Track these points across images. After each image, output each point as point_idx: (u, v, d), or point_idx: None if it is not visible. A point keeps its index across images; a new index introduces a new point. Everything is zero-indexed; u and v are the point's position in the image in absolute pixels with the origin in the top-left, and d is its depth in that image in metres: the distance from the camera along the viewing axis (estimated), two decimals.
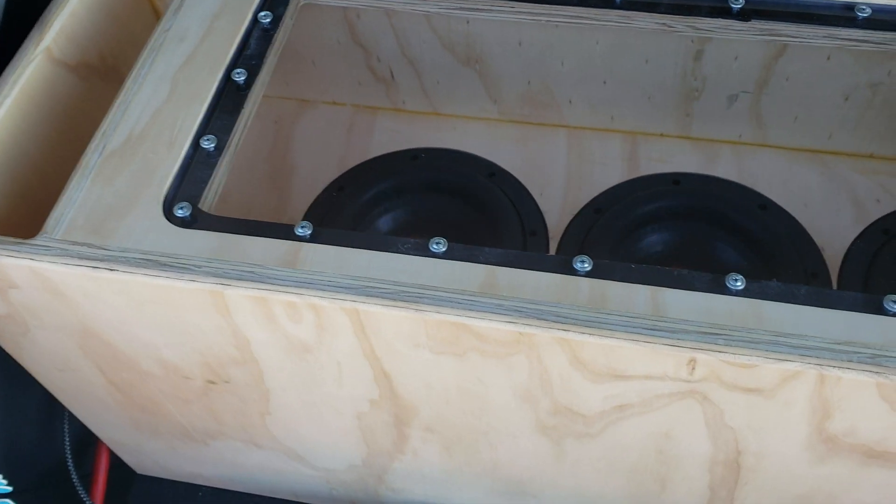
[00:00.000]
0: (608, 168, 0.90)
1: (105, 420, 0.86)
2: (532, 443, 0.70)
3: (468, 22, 0.84)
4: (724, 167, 0.89)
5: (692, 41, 0.80)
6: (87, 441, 0.95)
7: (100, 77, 0.80)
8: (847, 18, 0.70)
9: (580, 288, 0.55)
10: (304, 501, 0.97)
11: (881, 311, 0.53)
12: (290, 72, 0.95)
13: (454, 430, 0.71)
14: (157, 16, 0.86)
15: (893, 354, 0.51)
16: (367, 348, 0.61)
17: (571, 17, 0.74)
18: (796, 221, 0.80)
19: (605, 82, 0.87)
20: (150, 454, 0.92)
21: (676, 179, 0.85)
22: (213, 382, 0.71)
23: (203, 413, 0.79)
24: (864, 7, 0.69)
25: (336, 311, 0.57)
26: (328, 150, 0.96)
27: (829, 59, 0.79)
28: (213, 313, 0.60)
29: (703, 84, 0.85)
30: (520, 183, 0.85)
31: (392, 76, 0.92)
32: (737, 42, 0.78)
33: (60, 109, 0.75)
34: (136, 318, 0.63)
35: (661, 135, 0.92)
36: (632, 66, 0.85)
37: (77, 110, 0.76)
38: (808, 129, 0.87)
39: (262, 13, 0.73)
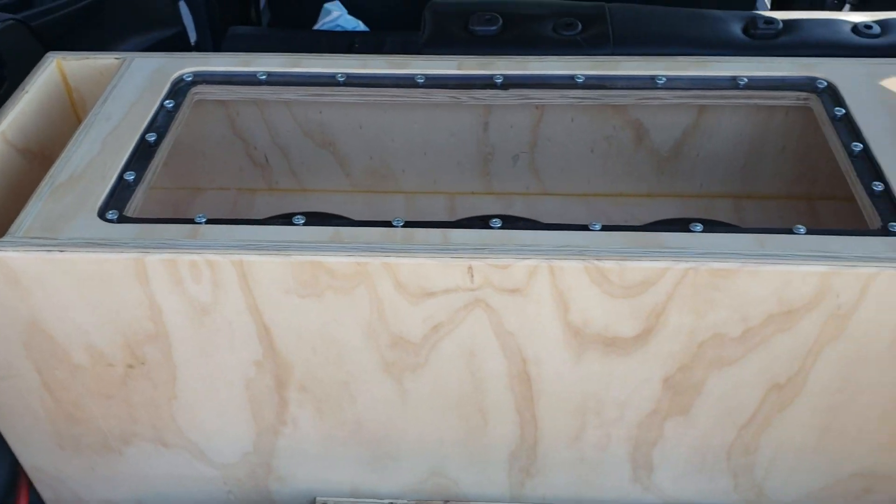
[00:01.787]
0: (436, 219, 1.20)
1: (32, 439, 1.02)
2: (381, 387, 0.93)
3: (321, 112, 1.14)
4: (517, 211, 1.20)
5: (481, 114, 1.14)
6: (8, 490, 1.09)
7: (36, 159, 1.05)
8: (571, 85, 1.05)
9: (397, 233, 0.82)
10: None
11: (588, 229, 0.83)
12: (185, 166, 1.22)
13: (322, 387, 0.93)
14: (79, 120, 1.13)
15: (594, 250, 0.80)
16: (250, 302, 0.84)
17: (387, 96, 1.06)
18: None
19: (425, 154, 1.18)
20: (68, 480, 1.07)
21: (483, 218, 1.16)
22: (131, 366, 0.92)
23: (121, 410, 0.97)
24: (580, 76, 1.05)
25: (226, 264, 0.81)
26: None
27: (572, 120, 1.13)
28: (134, 284, 0.83)
29: (493, 149, 1.18)
30: None
31: (267, 161, 1.21)
32: (505, 109, 1.12)
33: (6, 176, 0.99)
34: (75, 300, 0.84)
35: (472, 192, 1.23)
36: (442, 140, 1.16)
37: (16, 181, 1.00)
38: (573, 178, 1.20)
39: (168, 101, 1.01)
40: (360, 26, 2.05)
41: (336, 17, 2.12)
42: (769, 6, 1.94)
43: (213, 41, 2.07)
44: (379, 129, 1.16)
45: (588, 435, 0.97)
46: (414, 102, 1.07)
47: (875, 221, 0.84)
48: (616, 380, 0.91)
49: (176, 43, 2.02)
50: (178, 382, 0.94)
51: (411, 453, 1.01)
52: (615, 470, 1.01)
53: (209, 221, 0.85)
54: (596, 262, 0.79)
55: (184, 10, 2.07)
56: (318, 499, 1.09)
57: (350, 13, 2.07)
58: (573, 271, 0.80)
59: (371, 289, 0.83)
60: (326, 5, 2.10)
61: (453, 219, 1.19)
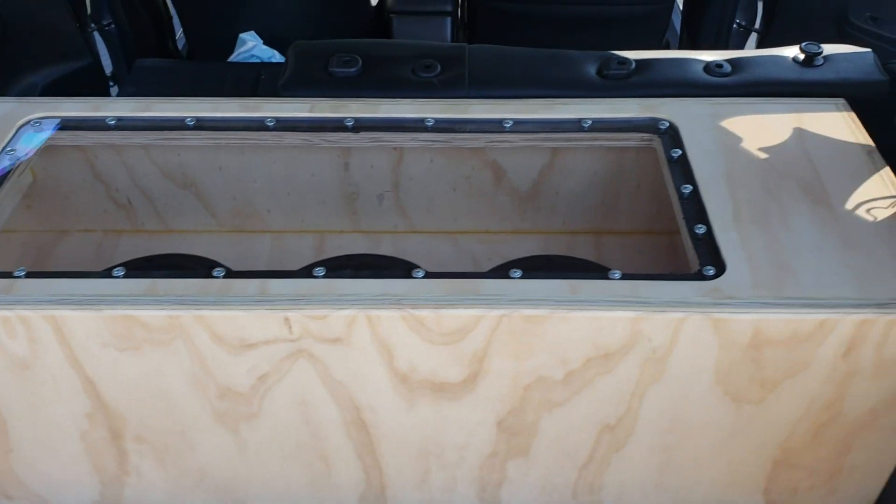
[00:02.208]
0: (302, 259, 1.19)
1: None
2: (218, 436, 0.92)
3: (179, 154, 1.14)
4: (385, 249, 1.20)
5: (340, 155, 1.14)
6: None
7: None
8: (421, 128, 1.05)
9: (215, 284, 0.82)
10: None
11: (410, 276, 0.83)
12: (49, 209, 1.20)
13: (159, 437, 0.92)
14: None
15: (411, 299, 0.80)
16: (69, 356, 0.83)
17: (238, 139, 1.06)
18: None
19: (289, 193, 1.18)
20: None
21: (349, 256, 1.16)
22: None
23: None
24: (430, 120, 1.05)
25: (39, 319, 0.80)
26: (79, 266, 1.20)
27: (431, 161, 1.14)
28: None
29: (357, 189, 1.18)
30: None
31: (130, 203, 1.20)
32: (364, 150, 1.12)
33: None
34: None
35: (341, 231, 1.23)
36: (304, 179, 1.16)
37: None
38: (438, 216, 1.20)
39: (10, 147, 1.00)
40: (276, 56, 2.05)
41: (251, 47, 2.11)
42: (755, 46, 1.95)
43: (128, 71, 2.06)
44: (239, 170, 1.16)
45: (433, 478, 0.97)
46: (266, 145, 1.07)
47: (694, 264, 0.86)
48: (451, 424, 0.91)
49: (88, 74, 2.00)
50: (12, 435, 0.92)
51: (260, 501, 1.00)
52: None
53: (28, 275, 0.83)
54: (412, 311, 0.80)
55: (99, 41, 2.06)
56: None
57: (266, 43, 2.07)
58: (391, 320, 0.80)
59: (188, 341, 0.82)
60: (242, 36, 2.10)
61: (321, 258, 1.20)
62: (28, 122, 1.05)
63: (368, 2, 2.03)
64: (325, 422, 0.91)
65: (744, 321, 0.79)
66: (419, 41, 1.28)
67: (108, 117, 1.06)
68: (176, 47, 2.20)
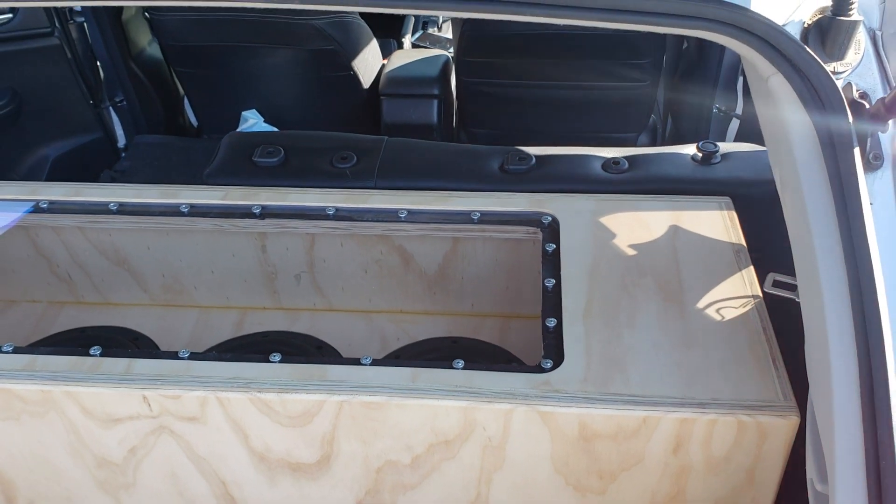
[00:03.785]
0: (223, 333, 1.27)
1: None
2: (100, 501, 0.98)
3: (111, 234, 1.23)
4: (302, 325, 1.27)
5: (256, 238, 1.22)
6: None
7: None
8: (323, 216, 1.13)
9: (87, 362, 0.89)
10: None
11: (268, 360, 0.89)
12: None
13: (49, 502, 0.99)
14: None
15: (258, 383, 0.86)
16: None
17: (155, 224, 1.15)
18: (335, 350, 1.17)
19: (212, 272, 1.26)
20: None
21: (265, 334, 1.23)
22: None
23: None
24: (331, 209, 1.13)
25: None
26: (20, 337, 1.29)
27: (342, 245, 1.21)
28: None
29: (275, 269, 1.25)
30: (153, 342, 1.20)
31: (70, 278, 1.29)
32: (277, 234, 1.20)
33: None
34: None
35: (263, 308, 1.30)
36: (226, 259, 1.24)
37: None
38: (353, 295, 1.27)
39: None
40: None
41: (252, 124, 2.24)
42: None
43: None
44: (166, 250, 1.24)
45: None
46: (184, 229, 1.16)
47: (538, 357, 0.90)
48: (313, 502, 0.95)
49: (99, 146, 2.16)
50: None
51: None
52: None
53: None
54: (258, 394, 0.86)
55: (114, 115, 2.22)
56: None
57: (267, 121, 2.20)
58: (240, 402, 0.86)
59: (62, 414, 0.89)
60: (244, 113, 2.23)
61: (240, 333, 1.27)
62: None
63: (361, 84, 2.14)
64: (198, 495, 0.96)
65: (569, 415, 0.83)
66: (343, 134, 1.36)
67: (41, 200, 1.16)
68: (186, 122, 2.33)
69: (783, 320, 0.91)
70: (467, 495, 0.92)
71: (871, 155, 0.72)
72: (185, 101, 2.31)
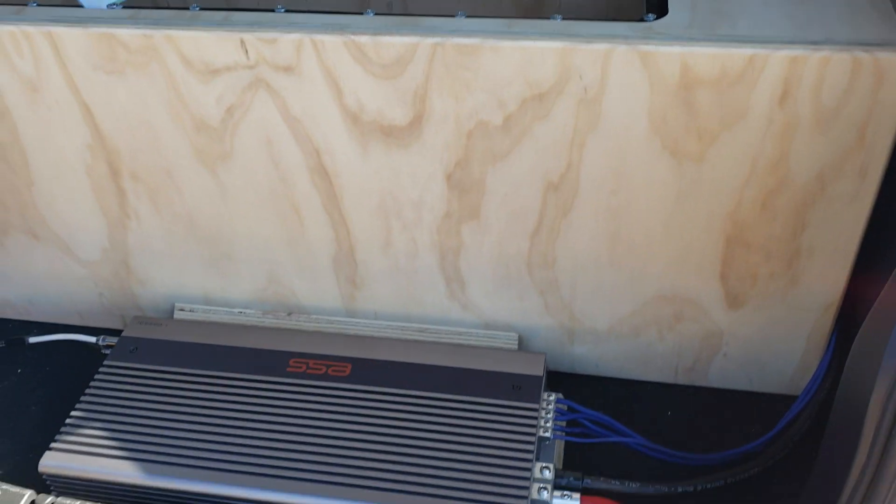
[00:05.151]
0: None
1: None
2: (199, 178, 1.01)
3: None
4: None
5: None
6: None
7: None
8: None
9: (186, 14, 0.91)
10: (86, 325, 1.25)
11: (363, 13, 0.88)
12: None
13: (149, 175, 1.03)
14: None
15: (353, 27, 0.86)
16: (67, 78, 0.95)
17: None
18: None
19: None
20: None
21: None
22: None
23: None
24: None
25: (38, 36, 0.91)
26: None
27: None
28: None
29: None
30: None
31: None
32: None
33: None
34: None
35: None
36: None
37: None
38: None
39: None
40: None
41: None
42: None
43: None
44: None
45: (396, 240, 1.03)
46: None
47: (640, 13, 0.86)
48: (405, 176, 0.96)
49: None
50: (32, 167, 1.05)
51: (245, 254, 1.09)
52: (430, 282, 1.07)
53: (39, 4, 0.95)
54: (352, 36, 0.85)
55: None
56: (176, 304, 1.19)
57: None
58: (334, 47, 0.86)
59: (162, 65, 0.91)
60: None
61: None
62: None
63: None
64: (291, 166, 0.98)
65: (671, 55, 0.80)
66: None
67: None
68: None
69: None
70: (558, 164, 0.90)
71: None
72: None
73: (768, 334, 1.02)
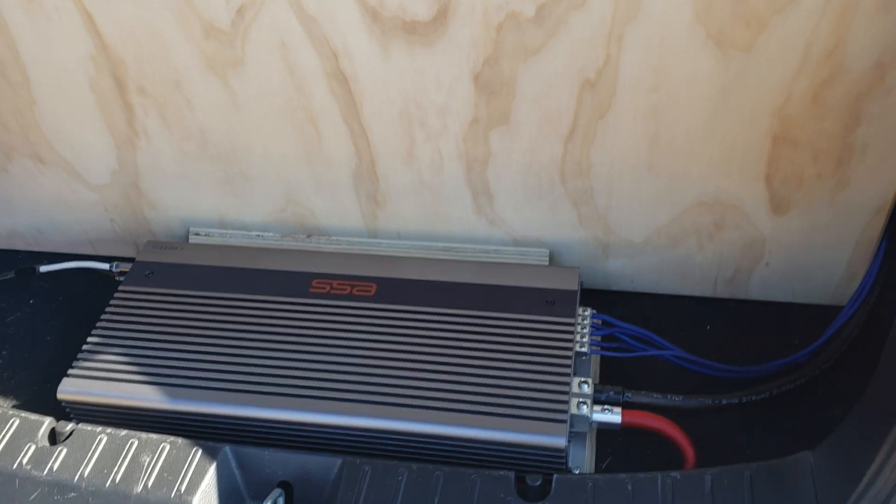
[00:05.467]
0: None
1: None
2: (210, 89, 0.95)
3: None
4: None
5: None
6: None
7: None
8: None
9: None
10: (98, 254, 1.20)
11: None
12: None
13: (157, 88, 0.97)
14: None
15: None
16: None
17: None
18: None
19: None
20: None
21: None
22: None
23: None
24: None
25: None
26: None
27: None
28: None
29: None
30: None
31: None
32: None
33: None
34: None
35: None
36: None
37: None
38: None
39: None
40: None
41: None
42: None
43: None
44: None
45: (419, 151, 0.97)
46: None
47: None
48: (429, 79, 0.90)
49: None
50: (33, 84, 1.00)
51: (260, 172, 1.04)
52: (456, 196, 1.01)
53: None
54: None
55: None
56: (191, 229, 1.14)
57: None
58: None
59: None
60: None
61: None
62: None
63: None
64: (307, 72, 0.92)
65: None
66: None
67: None
68: None
69: None
70: (595, 59, 0.84)
71: None
72: None
73: (814, 241, 0.97)
